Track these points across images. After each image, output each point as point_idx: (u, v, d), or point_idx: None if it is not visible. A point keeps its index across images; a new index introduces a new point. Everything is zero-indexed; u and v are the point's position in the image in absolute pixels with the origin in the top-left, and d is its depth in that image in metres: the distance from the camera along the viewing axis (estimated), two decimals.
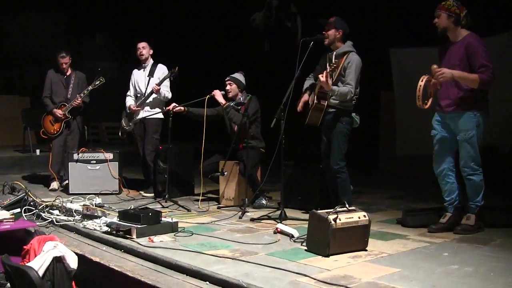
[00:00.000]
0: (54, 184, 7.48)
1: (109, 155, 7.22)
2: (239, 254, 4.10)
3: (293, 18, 11.92)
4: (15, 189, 6.63)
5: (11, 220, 4.80)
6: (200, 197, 6.34)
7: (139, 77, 7.31)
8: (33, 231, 4.81)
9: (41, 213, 5.51)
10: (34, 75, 13.58)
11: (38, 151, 10.22)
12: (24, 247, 3.90)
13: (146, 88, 7.14)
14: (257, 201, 6.24)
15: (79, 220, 5.29)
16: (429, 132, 5.09)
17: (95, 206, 5.65)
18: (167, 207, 6.11)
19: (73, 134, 7.60)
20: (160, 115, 7.21)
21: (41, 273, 3.58)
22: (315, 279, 3.45)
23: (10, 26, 13.75)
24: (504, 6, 7.75)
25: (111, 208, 5.83)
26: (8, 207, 5.35)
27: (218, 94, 6.39)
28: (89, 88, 7.41)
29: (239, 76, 6.60)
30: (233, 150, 6.29)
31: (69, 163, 7.15)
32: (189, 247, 4.28)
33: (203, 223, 5.33)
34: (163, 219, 4.93)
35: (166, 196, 6.34)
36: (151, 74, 7.18)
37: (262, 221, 5.41)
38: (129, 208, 5.33)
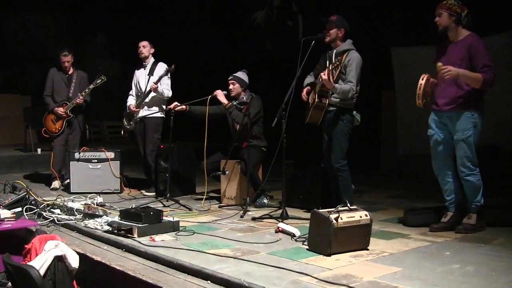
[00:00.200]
0: (56, 183, 7.48)
1: (111, 154, 7.22)
2: (241, 253, 4.10)
3: (295, 17, 11.91)
4: (16, 188, 6.62)
5: (12, 219, 4.79)
6: (205, 196, 6.33)
7: (140, 76, 7.30)
8: (34, 230, 4.83)
9: (42, 212, 5.51)
10: (35, 73, 13.56)
11: (39, 150, 10.22)
12: (25, 246, 3.90)
13: (146, 87, 7.14)
14: (258, 200, 6.23)
15: (81, 219, 5.29)
16: None
17: (97, 205, 5.66)
18: (168, 206, 6.11)
19: (74, 133, 7.60)
20: (161, 114, 7.19)
21: (42, 272, 3.58)
22: (316, 278, 3.44)
23: (11, 24, 13.76)
24: (504, 6, 7.73)
25: (112, 207, 5.83)
26: (9, 206, 5.34)
27: (220, 94, 6.37)
28: (91, 87, 7.41)
29: (242, 75, 6.56)
30: (235, 149, 6.28)
31: (71, 162, 7.15)
32: (191, 246, 4.28)
33: (204, 222, 5.33)
34: (164, 218, 4.93)
35: (168, 195, 6.34)
36: (151, 73, 7.17)
37: (264, 220, 5.41)
38: (130, 207, 5.34)
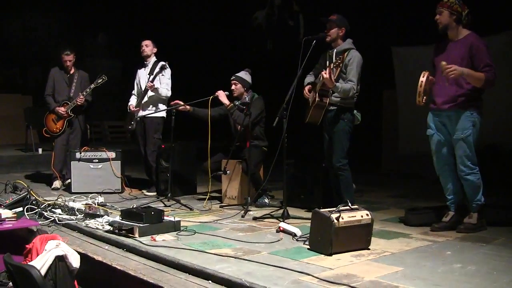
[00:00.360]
0: (57, 183, 7.48)
1: (112, 154, 7.22)
2: (242, 253, 4.09)
3: (296, 17, 11.93)
4: (17, 188, 6.63)
5: (13, 219, 4.79)
6: (208, 195, 6.32)
7: (141, 75, 7.30)
8: (35, 230, 4.83)
9: (43, 212, 5.51)
10: (36, 73, 13.60)
11: (40, 150, 10.24)
12: (26, 246, 3.89)
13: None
14: (259, 200, 6.23)
15: (82, 219, 5.29)
16: None
17: (98, 205, 5.66)
18: (169, 206, 6.11)
19: (75, 133, 7.60)
20: (161, 114, 7.17)
21: (43, 272, 3.58)
22: (317, 278, 3.44)
23: (12, 24, 13.77)
24: (504, 6, 7.73)
25: (113, 207, 5.84)
26: (10, 206, 5.34)
27: (222, 95, 6.33)
28: (92, 86, 7.41)
29: (244, 75, 6.51)
30: (236, 149, 6.27)
31: (72, 162, 7.15)
32: (192, 246, 4.28)
33: (205, 222, 5.33)
34: (165, 218, 4.93)
35: (169, 195, 6.34)
36: (151, 72, 7.16)
37: (265, 220, 5.41)
38: (131, 207, 5.35)
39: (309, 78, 5.68)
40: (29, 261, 3.74)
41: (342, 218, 4.05)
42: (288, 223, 4.93)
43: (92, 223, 5.08)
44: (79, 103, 7.38)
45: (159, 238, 4.55)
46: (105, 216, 5.26)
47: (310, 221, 4.30)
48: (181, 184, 7.00)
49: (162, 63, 7.15)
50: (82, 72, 7.73)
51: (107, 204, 5.93)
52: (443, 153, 4.95)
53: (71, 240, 4.62)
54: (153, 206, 5.62)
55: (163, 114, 7.19)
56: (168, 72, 7.14)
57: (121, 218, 4.91)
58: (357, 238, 4.19)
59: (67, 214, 5.46)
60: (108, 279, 4.05)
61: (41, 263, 3.63)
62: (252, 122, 6.15)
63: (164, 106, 7.12)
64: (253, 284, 3.31)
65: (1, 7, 12.72)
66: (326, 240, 4.05)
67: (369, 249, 4.22)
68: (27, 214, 5.36)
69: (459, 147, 4.76)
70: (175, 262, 3.87)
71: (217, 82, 6.73)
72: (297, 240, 4.53)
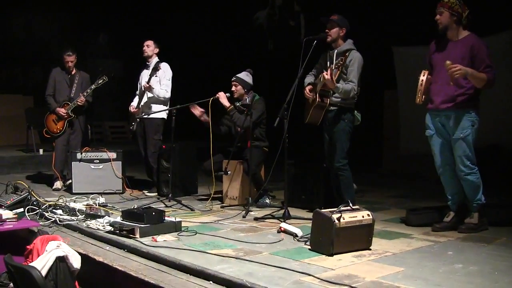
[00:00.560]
0: (57, 184, 7.48)
1: (113, 155, 7.22)
2: (243, 254, 4.09)
3: (297, 17, 11.93)
4: (18, 188, 6.62)
5: (14, 220, 4.79)
6: (211, 195, 6.32)
7: (143, 76, 7.28)
8: (36, 230, 4.82)
9: (44, 212, 5.51)
10: (37, 74, 13.60)
11: (41, 151, 10.23)
12: (27, 246, 3.90)
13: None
14: (260, 200, 6.23)
15: (82, 219, 5.29)
16: None
17: (99, 205, 5.65)
18: (170, 207, 6.11)
19: (76, 134, 7.59)
20: (161, 115, 7.15)
21: (44, 273, 3.58)
22: (319, 278, 3.44)
23: (13, 24, 13.76)
24: (504, 6, 7.72)
25: (114, 207, 5.83)
26: (11, 207, 5.33)
27: (222, 97, 6.26)
28: (92, 87, 7.40)
29: (245, 76, 6.47)
30: (237, 149, 6.26)
31: (72, 162, 7.15)
32: (193, 247, 4.28)
33: (206, 223, 5.33)
34: (166, 218, 4.93)
35: (170, 196, 6.34)
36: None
37: (266, 220, 5.40)
38: (132, 207, 5.34)
39: (309, 78, 5.68)
40: (30, 262, 3.74)
41: (343, 219, 4.05)
42: (289, 224, 4.93)
43: (93, 223, 5.07)
44: (79, 104, 7.38)
45: (160, 238, 4.55)
46: (106, 217, 5.25)
47: (311, 221, 4.30)
48: (182, 184, 7.00)
49: (165, 64, 7.15)
50: (83, 73, 7.72)
51: (108, 204, 5.93)
52: (444, 153, 4.94)
53: (72, 240, 4.62)
54: (154, 206, 5.63)
55: (163, 115, 7.17)
56: (169, 73, 7.13)
57: (122, 219, 4.91)
58: (358, 239, 4.19)
59: (68, 215, 5.45)
60: (109, 280, 4.05)
61: (42, 263, 3.63)
62: (253, 123, 6.13)
63: (164, 106, 7.10)
64: (254, 285, 3.31)
65: (2, 7, 12.71)
66: (327, 240, 4.04)
67: (370, 249, 4.22)
68: (28, 215, 5.36)
69: (459, 147, 4.76)
70: (176, 263, 3.87)
71: (217, 83, 6.71)
72: (298, 240, 4.53)
